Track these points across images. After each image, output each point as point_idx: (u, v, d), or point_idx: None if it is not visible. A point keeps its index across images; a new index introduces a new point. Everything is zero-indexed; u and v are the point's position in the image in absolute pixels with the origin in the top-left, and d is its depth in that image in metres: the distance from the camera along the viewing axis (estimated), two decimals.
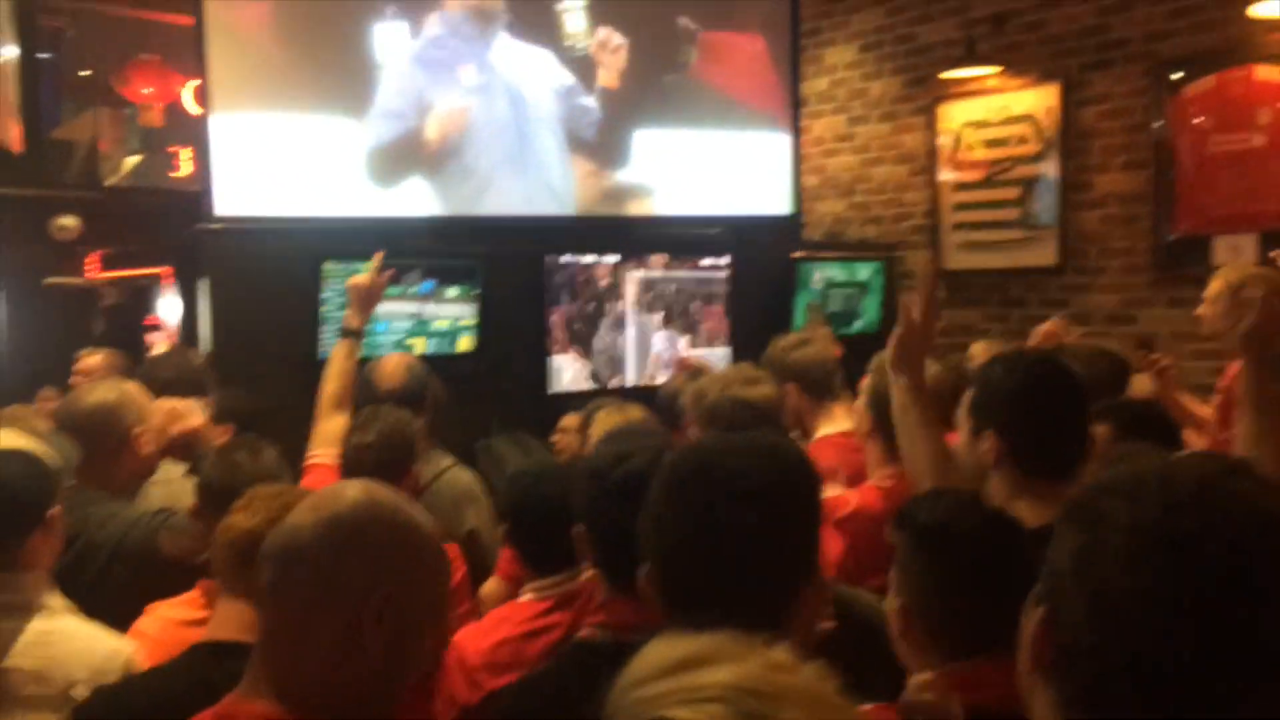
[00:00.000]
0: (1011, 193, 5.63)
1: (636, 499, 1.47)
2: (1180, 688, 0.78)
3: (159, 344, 4.68)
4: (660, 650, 0.77)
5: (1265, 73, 4.79)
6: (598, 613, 1.53)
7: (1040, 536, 1.57)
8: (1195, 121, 5.03)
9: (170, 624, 1.92)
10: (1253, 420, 1.95)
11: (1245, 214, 4.88)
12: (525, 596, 2.02)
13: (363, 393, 2.97)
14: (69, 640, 1.70)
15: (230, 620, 1.59)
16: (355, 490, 1.23)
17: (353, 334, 2.98)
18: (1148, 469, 0.86)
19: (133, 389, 2.53)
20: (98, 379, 4.11)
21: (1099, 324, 5.21)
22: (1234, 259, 4.87)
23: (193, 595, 1.97)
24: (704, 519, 1.18)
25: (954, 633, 1.44)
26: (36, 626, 1.71)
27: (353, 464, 2.50)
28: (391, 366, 3.18)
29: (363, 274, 3.09)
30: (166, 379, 2.79)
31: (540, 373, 4.52)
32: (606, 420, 2.81)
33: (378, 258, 3.18)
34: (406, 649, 1.18)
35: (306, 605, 1.16)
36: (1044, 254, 5.50)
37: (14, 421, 2.66)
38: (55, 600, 1.78)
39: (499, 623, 1.99)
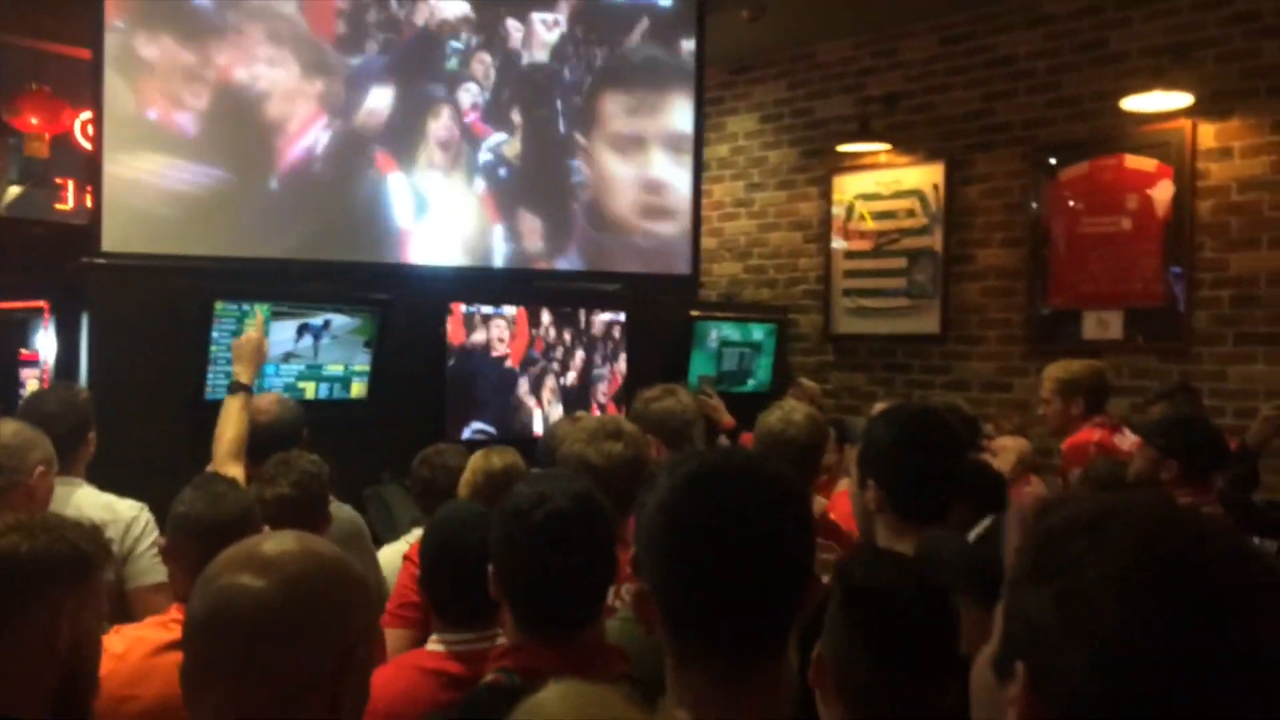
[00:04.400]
0: (898, 263, 5.87)
1: (559, 539, 1.50)
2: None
3: (32, 380, 4.50)
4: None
5: (1134, 162, 5.13)
6: (505, 656, 1.53)
7: None
8: (1069, 204, 5.35)
9: (140, 642, 1.89)
10: None
11: (1112, 292, 5.18)
12: (433, 647, 1.98)
13: None
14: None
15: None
16: (293, 543, 1.13)
17: (243, 389, 3.21)
18: (1092, 506, 0.83)
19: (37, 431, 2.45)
20: None
21: (977, 390, 5.44)
22: (1102, 333, 5.16)
23: (165, 617, 1.94)
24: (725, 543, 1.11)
25: (864, 695, 1.38)
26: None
27: (271, 516, 2.41)
28: (265, 402, 3.26)
29: (248, 333, 3.23)
30: (49, 412, 2.68)
31: (437, 421, 4.48)
32: (476, 463, 2.79)
33: (259, 320, 3.48)
34: (363, 701, 1.13)
35: (284, 676, 1.06)
36: (927, 322, 5.74)
37: None
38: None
39: (407, 669, 1.95)
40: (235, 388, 3.24)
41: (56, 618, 1.41)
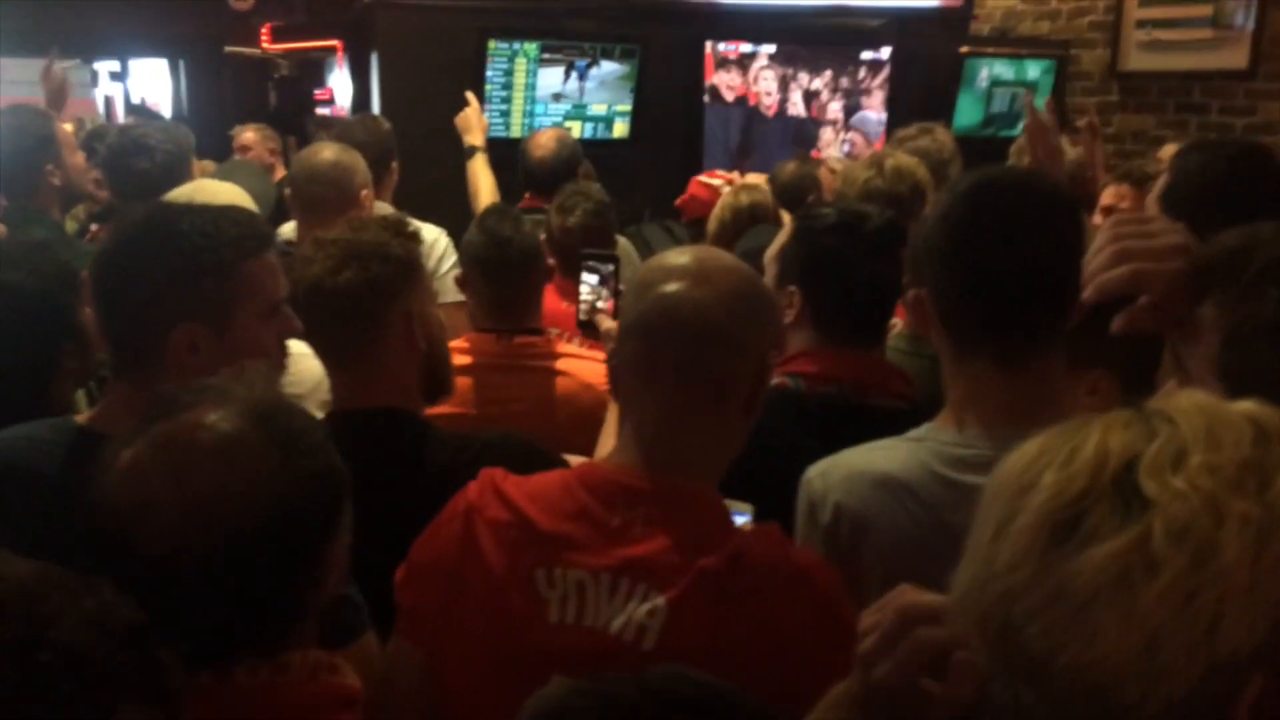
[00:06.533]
0: None
1: (879, 252, 1.63)
2: None
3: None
4: None
5: None
6: (793, 362, 1.64)
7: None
8: None
9: None
10: None
11: None
12: None
13: (518, 160, 3.38)
14: (293, 360, 1.89)
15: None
16: (720, 257, 1.25)
17: (479, 150, 3.40)
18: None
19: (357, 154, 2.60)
20: (260, 153, 4.32)
21: None
22: None
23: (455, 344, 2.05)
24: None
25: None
26: None
27: (570, 242, 2.51)
28: (545, 138, 3.42)
29: (469, 109, 3.45)
30: (359, 141, 2.89)
31: (694, 161, 4.53)
32: (725, 199, 2.92)
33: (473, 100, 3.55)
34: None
35: (720, 377, 1.17)
36: (1234, 56, 5.11)
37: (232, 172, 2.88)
38: None
39: None
40: (470, 152, 3.43)
41: (409, 321, 1.60)
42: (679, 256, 1.22)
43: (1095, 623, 0.68)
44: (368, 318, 1.57)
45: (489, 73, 4.09)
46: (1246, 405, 0.77)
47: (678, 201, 3.51)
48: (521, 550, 1.15)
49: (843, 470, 1.31)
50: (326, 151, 2.55)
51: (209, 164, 3.06)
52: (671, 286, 1.17)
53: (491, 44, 4.08)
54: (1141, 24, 5.47)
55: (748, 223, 2.86)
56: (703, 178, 3.63)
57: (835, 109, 4.91)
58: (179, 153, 2.77)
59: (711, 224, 2.99)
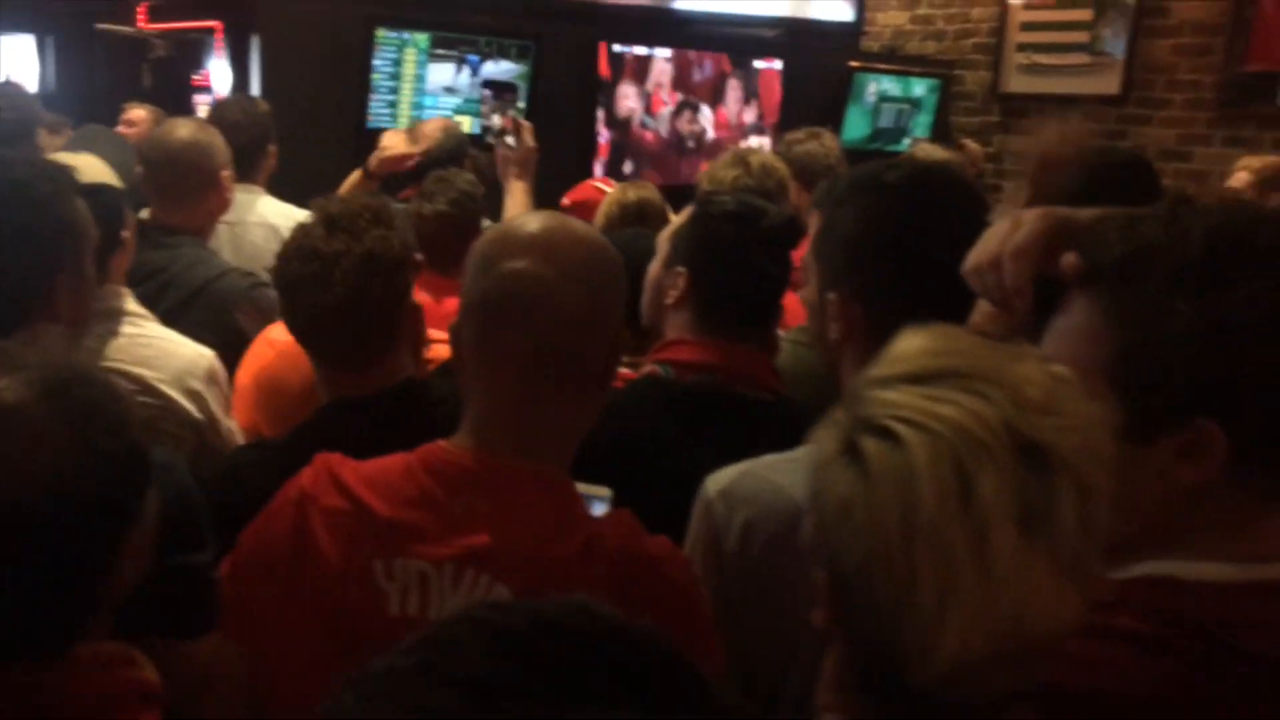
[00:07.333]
0: (1084, 14, 5.41)
1: (775, 247, 1.61)
2: None
3: (203, 107, 4.64)
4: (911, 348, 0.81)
5: None
6: (665, 350, 1.61)
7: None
8: None
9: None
10: None
11: None
12: None
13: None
14: (158, 343, 1.83)
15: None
16: (565, 226, 1.14)
17: (369, 175, 3.11)
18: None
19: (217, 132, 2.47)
20: (144, 131, 4.13)
21: (1154, 159, 5.09)
22: None
23: None
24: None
25: None
26: (128, 330, 1.82)
27: (429, 232, 2.41)
28: (430, 127, 3.28)
29: (398, 142, 3.13)
30: (235, 121, 2.77)
31: (587, 161, 4.51)
32: (613, 195, 2.89)
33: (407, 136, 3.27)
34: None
35: (572, 361, 1.10)
36: (1107, 82, 5.34)
37: (92, 140, 2.74)
38: (137, 307, 1.88)
39: None
40: (364, 169, 3.15)
41: (417, 312, 1.58)
42: (525, 225, 1.13)
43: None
44: (392, 322, 1.53)
45: (376, 62, 3.99)
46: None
47: (564, 202, 3.46)
48: (359, 540, 1.09)
49: (750, 490, 1.26)
50: (182, 130, 2.40)
51: (67, 129, 2.88)
52: (517, 263, 1.09)
53: (379, 32, 3.97)
54: (1022, 48, 5.67)
55: (634, 220, 2.83)
56: (596, 181, 3.59)
57: (730, 116, 4.95)
58: (21, 121, 2.60)
59: (598, 219, 2.95)
